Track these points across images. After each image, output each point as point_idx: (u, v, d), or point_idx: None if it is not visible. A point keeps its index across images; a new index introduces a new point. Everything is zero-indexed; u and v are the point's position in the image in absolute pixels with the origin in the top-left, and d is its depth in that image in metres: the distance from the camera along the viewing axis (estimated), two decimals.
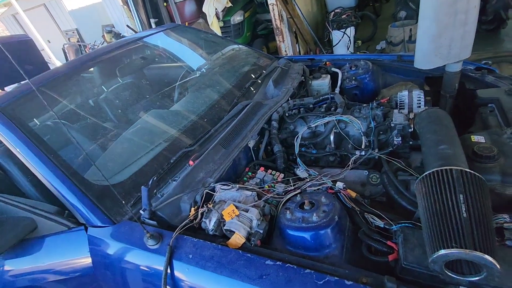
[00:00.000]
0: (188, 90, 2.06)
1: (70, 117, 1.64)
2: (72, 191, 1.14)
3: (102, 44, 6.71)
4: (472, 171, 0.81)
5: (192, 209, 1.09)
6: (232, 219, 0.96)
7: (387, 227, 0.95)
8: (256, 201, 1.08)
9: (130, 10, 5.30)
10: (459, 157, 0.92)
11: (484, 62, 3.46)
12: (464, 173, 0.81)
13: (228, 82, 2.04)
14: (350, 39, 4.59)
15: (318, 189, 1.14)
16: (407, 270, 0.82)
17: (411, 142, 1.30)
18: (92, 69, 2.22)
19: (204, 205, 1.07)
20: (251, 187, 1.15)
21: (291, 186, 1.13)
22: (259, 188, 1.16)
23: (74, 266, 1.19)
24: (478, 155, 1.04)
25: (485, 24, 4.23)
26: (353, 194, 1.09)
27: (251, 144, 1.40)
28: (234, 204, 0.99)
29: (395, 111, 1.38)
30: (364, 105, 1.47)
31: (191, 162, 1.30)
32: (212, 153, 1.31)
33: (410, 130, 1.27)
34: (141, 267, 1.04)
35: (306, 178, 1.29)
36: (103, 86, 2.39)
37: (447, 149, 0.95)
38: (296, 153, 1.37)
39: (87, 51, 7.49)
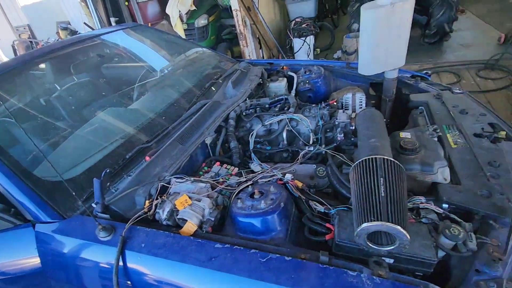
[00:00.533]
0: (148, 90, 2.06)
1: (19, 115, 1.56)
2: (18, 186, 1.11)
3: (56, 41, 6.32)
4: (392, 159, 0.95)
5: (147, 201, 1.11)
6: (184, 208, 1.01)
7: (327, 211, 1.06)
8: (210, 192, 1.13)
9: (88, 7, 5.08)
10: (385, 148, 1.06)
11: (424, 72, 3.87)
12: (385, 161, 0.94)
13: (189, 83, 2.08)
14: (310, 47, 4.87)
15: (269, 180, 1.23)
16: (340, 246, 0.93)
17: (353, 139, 1.45)
18: (44, 65, 2.13)
19: (159, 197, 1.10)
20: (205, 180, 1.20)
21: (243, 178, 1.20)
22: (214, 180, 1.22)
23: (22, 266, 1.15)
24: (403, 148, 1.21)
25: (428, 38, 4.73)
26: (300, 184, 1.20)
27: (208, 140, 1.46)
28: (187, 195, 1.04)
29: (340, 111, 1.53)
30: (314, 105, 1.61)
31: (147, 158, 1.32)
32: (169, 149, 1.34)
33: (351, 127, 1.42)
34: (94, 261, 1.04)
35: (260, 171, 1.38)
36: (56, 84, 2.30)
37: (376, 142, 1.10)
38: (251, 149, 1.46)
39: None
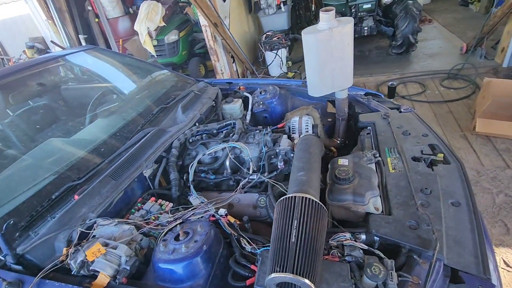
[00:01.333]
0: (98, 115, 2.00)
1: None
2: None
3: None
4: (312, 198, 0.92)
5: (64, 249, 1.04)
6: (97, 257, 0.94)
7: (253, 251, 1.02)
8: (133, 235, 1.07)
9: (55, 25, 4.97)
10: (312, 183, 1.04)
11: (390, 83, 3.92)
12: (304, 200, 0.91)
13: (139, 107, 2.02)
14: (282, 60, 4.90)
15: (202, 216, 1.18)
16: None
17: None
18: None
19: (78, 245, 1.04)
20: (131, 221, 1.14)
21: (171, 217, 1.15)
22: (143, 220, 1.16)
23: None
24: (337, 177, 1.19)
25: (395, 48, 4.86)
26: (232, 220, 1.15)
27: (147, 173, 1.40)
28: (101, 242, 0.98)
29: (284, 136, 1.51)
30: (257, 131, 1.58)
31: (76, 197, 1.25)
32: (99, 186, 1.28)
33: (292, 154, 1.40)
34: None
35: (199, 204, 1.33)
36: (7, 110, 2.21)
37: (303, 175, 1.07)
38: (190, 180, 1.41)
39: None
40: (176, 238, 1.04)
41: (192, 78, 2.59)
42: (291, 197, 0.93)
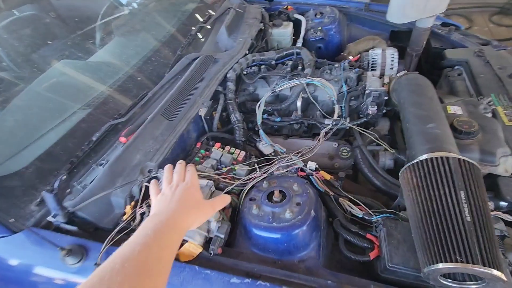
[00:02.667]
0: (113, 32, 1.57)
1: None
2: None
3: None
4: (470, 160, 0.69)
5: (128, 207, 0.82)
6: None
7: (366, 217, 0.83)
8: (213, 192, 0.85)
9: None
10: (449, 139, 0.80)
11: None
12: (462, 163, 0.68)
13: (168, 25, 1.60)
14: None
15: (287, 171, 0.95)
16: (392, 271, 0.72)
17: (384, 111, 1.17)
18: None
19: (144, 203, 0.81)
20: (206, 173, 0.91)
21: (256, 169, 0.92)
22: (216, 172, 0.93)
23: None
24: (458, 131, 0.95)
25: None
26: (328, 177, 0.94)
27: (203, 112, 1.12)
28: None
29: (369, 73, 1.20)
30: (336, 65, 1.26)
31: (122, 139, 0.98)
32: (152, 127, 1.00)
33: (385, 98, 1.12)
34: None
35: (271, 153, 1.10)
36: None
37: (435, 128, 0.82)
38: (259, 124, 1.14)
39: None
40: (270, 199, 0.83)
41: None
42: (442, 157, 0.70)
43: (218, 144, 1.05)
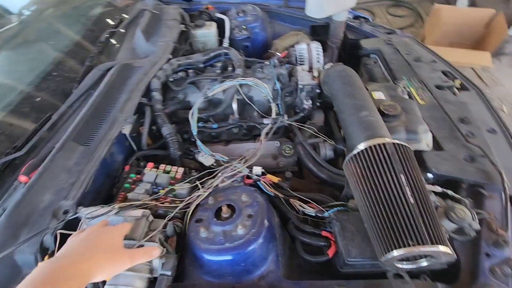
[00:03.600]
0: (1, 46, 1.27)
1: None
2: None
3: None
4: (404, 143, 0.73)
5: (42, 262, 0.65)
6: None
7: (319, 214, 0.82)
8: (151, 222, 0.73)
9: None
10: (382, 125, 0.83)
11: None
12: (398, 147, 0.71)
13: (71, 32, 1.37)
14: None
15: (232, 181, 0.88)
16: (350, 265, 0.72)
17: (318, 104, 1.19)
18: None
19: None
20: (139, 201, 0.78)
21: (199, 186, 0.83)
22: (152, 198, 0.81)
23: None
24: (385, 115, 1.01)
25: None
26: (275, 180, 0.90)
27: (127, 130, 0.97)
28: None
29: (299, 68, 1.21)
30: (266, 62, 1.23)
31: (23, 178, 0.78)
32: (62, 157, 0.82)
33: (318, 91, 1.14)
34: None
35: (213, 164, 1.01)
36: None
37: (369, 116, 0.85)
38: (195, 134, 1.04)
39: None
40: (218, 216, 0.75)
41: None
42: (379, 145, 0.72)
43: (150, 164, 0.92)
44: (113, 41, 1.37)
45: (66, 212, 0.72)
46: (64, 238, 0.67)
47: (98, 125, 0.92)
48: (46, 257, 0.66)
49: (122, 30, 1.43)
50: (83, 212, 0.72)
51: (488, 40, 2.91)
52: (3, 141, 0.87)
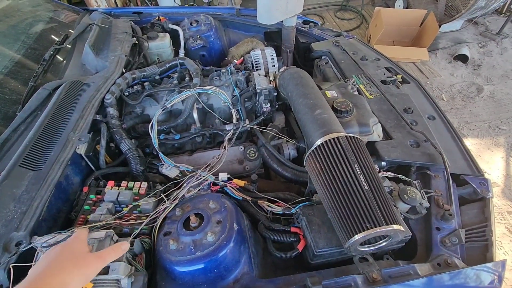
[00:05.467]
0: None
1: None
2: None
3: None
4: (355, 136, 0.78)
5: None
6: None
7: (287, 212, 0.85)
8: (118, 241, 0.71)
9: None
10: (335, 120, 0.89)
11: None
12: (350, 139, 0.77)
13: (11, 51, 1.28)
14: None
15: (199, 190, 0.88)
16: (319, 255, 0.75)
17: (277, 106, 1.23)
18: None
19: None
20: (101, 222, 0.75)
21: (164, 199, 0.81)
22: (116, 217, 0.78)
23: None
24: (338, 111, 1.08)
25: None
26: (242, 183, 0.92)
27: (82, 149, 0.92)
28: None
29: (255, 74, 1.25)
30: (223, 70, 1.25)
31: None
32: (9, 185, 0.76)
33: (275, 94, 1.18)
34: None
35: (178, 176, 1.00)
36: None
37: (323, 113, 0.90)
38: (156, 146, 1.02)
39: None
40: (187, 227, 0.75)
41: (78, 8, 1.81)
42: (334, 139, 0.77)
43: (111, 182, 0.88)
44: (59, 58, 1.30)
45: (18, 244, 0.67)
46: (19, 272, 0.62)
47: (48, 147, 0.86)
48: None
49: (68, 46, 1.37)
50: (39, 241, 0.67)
51: (423, 37, 3.23)
52: None
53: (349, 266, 0.76)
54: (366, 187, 0.68)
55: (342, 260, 0.79)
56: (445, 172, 0.99)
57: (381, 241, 0.69)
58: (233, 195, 0.90)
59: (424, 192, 0.90)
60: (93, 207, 0.82)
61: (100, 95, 1.07)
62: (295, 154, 1.17)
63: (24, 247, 0.66)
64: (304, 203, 0.85)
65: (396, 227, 0.63)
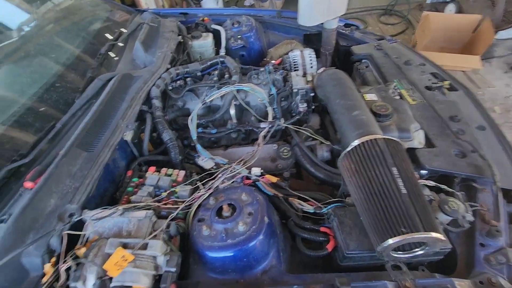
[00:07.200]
0: (2, 61, 1.32)
1: None
2: None
3: None
4: (394, 139, 0.76)
5: (48, 265, 0.67)
6: (124, 269, 0.62)
7: (318, 211, 0.84)
8: (155, 222, 0.76)
9: None
10: (373, 122, 0.87)
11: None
12: (388, 142, 0.75)
13: (72, 46, 1.42)
14: None
15: (232, 182, 0.91)
16: (350, 258, 0.74)
17: (313, 107, 1.23)
18: None
19: (69, 255, 0.67)
20: (143, 203, 0.80)
21: (200, 187, 0.85)
22: (155, 200, 0.83)
23: None
24: (377, 114, 1.05)
25: None
26: (274, 179, 0.93)
27: (129, 136, 1.00)
28: (115, 244, 0.65)
29: (293, 74, 1.26)
30: (261, 69, 1.28)
31: (28, 184, 0.80)
32: (67, 163, 0.84)
33: (312, 94, 1.18)
34: None
35: (212, 167, 1.04)
36: None
37: (361, 114, 0.89)
38: (194, 138, 1.07)
39: None
40: (219, 215, 0.78)
41: (130, 8, 1.96)
42: (371, 140, 0.75)
43: (152, 168, 0.95)
44: (112, 54, 1.42)
45: (71, 215, 0.74)
46: (70, 240, 0.69)
47: (100, 132, 0.95)
48: (53, 259, 0.67)
49: (121, 44, 1.48)
50: (88, 214, 0.74)
51: (476, 44, 3.00)
52: (9, 149, 0.90)
53: (380, 272, 0.74)
54: (404, 191, 0.66)
55: (372, 266, 0.77)
56: (494, 185, 0.91)
57: (417, 249, 0.66)
58: (265, 190, 0.91)
59: (468, 205, 0.84)
60: (135, 189, 0.88)
61: (147, 87, 1.15)
62: (328, 156, 1.16)
63: (76, 218, 0.73)
64: (336, 204, 0.84)
65: (434, 234, 0.60)
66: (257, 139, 1.13)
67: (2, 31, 1.52)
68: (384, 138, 0.76)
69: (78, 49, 1.39)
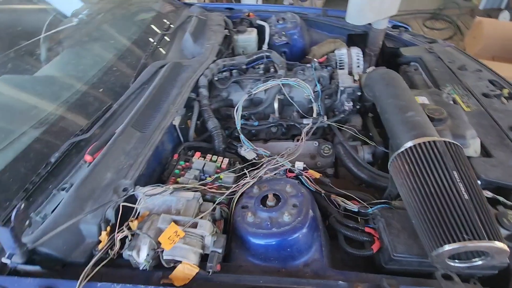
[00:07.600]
0: (62, 45, 1.42)
1: None
2: None
3: None
4: (455, 142, 0.72)
5: (104, 233, 0.71)
6: (175, 244, 0.64)
7: (362, 211, 0.82)
8: (201, 205, 0.78)
9: None
10: (430, 125, 0.83)
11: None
12: (449, 145, 0.71)
13: (125, 35, 1.50)
14: None
15: (275, 174, 0.91)
16: (396, 261, 0.71)
17: (358, 106, 1.20)
18: None
19: (124, 225, 0.71)
20: (190, 185, 0.83)
21: (246, 175, 0.86)
22: (201, 183, 0.85)
23: None
24: (430, 118, 0.99)
25: None
26: (317, 175, 0.92)
27: (177, 121, 1.04)
28: (167, 220, 0.67)
29: (340, 72, 1.24)
30: (308, 65, 1.27)
31: (88, 158, 0.86)
32: (122, 141, 0.89)
33: (359, 93, 1.15)
34: None
35: (254, 158, 1.05)
36: None
37: (415, 116, 0.85)
38: (238, 128, 1.09)
39: None
40: (263, 203, 0.78)
41: (180, 2, 2.03)
42: (430, 142, 0.72)
43: (198, 153, 0.98)
44: (163, 43, 1.48)
45: (125, 190, 0.78)
46: (124, 212, 0.73)
47: (153, 115, 0.99)
48: (108, 227, 0.72)
49: (167, 39, 1.54)
50: (140, 190, 0.77)
51: None
52: (70, 125, 0.97)
53: (428, 280, 0.70)
54: (466, 196, 0.62)
55: (418, 273, 0.73)
56: None
57: (476, 259, 0.62)
58: (307, 185, 0.90)
59: None
60: (182, 172, 0.91)
61: (196, 76, 1.18)
62: (369, 158, 1.13)
63: (129, 193, 0.77)
64: (382, 205, 0.81)
65: (499, 244, 0.56)
66: (297, 135, 1.13)
67: (60, 18, 1.64)
68: (444, 140, 0.72)
69: (131, 38, 1.47)
